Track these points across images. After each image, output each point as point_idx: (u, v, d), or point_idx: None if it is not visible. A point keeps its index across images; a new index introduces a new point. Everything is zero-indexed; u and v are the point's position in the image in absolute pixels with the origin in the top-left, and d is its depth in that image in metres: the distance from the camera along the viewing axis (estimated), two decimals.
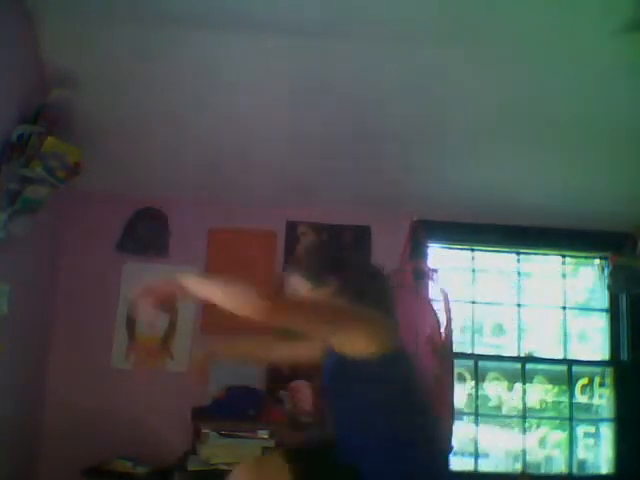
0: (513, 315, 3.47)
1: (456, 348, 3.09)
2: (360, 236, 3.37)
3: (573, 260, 3.61)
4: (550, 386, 3.49)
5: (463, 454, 3.29)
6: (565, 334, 3.46)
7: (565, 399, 3.43)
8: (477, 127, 2.90)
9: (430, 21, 2.42)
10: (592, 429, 3.44)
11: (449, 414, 2.81)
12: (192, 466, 2.64)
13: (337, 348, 1.71)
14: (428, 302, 3.01)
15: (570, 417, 3.39)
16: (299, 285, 1.85)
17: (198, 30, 2.52)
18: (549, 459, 3.43)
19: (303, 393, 2.96)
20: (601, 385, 3.44)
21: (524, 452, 3.32)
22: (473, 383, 3.36)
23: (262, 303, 1.54)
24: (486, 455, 3.36)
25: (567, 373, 3.40)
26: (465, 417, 3.35)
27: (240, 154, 3.06)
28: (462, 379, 3.35)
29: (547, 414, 3.50)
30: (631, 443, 3.27)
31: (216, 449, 2.67)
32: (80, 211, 3.28)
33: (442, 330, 2.89)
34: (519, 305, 3.47)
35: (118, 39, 2.57)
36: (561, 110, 2.79)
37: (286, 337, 1.93)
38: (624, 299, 3.41)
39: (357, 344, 1.66)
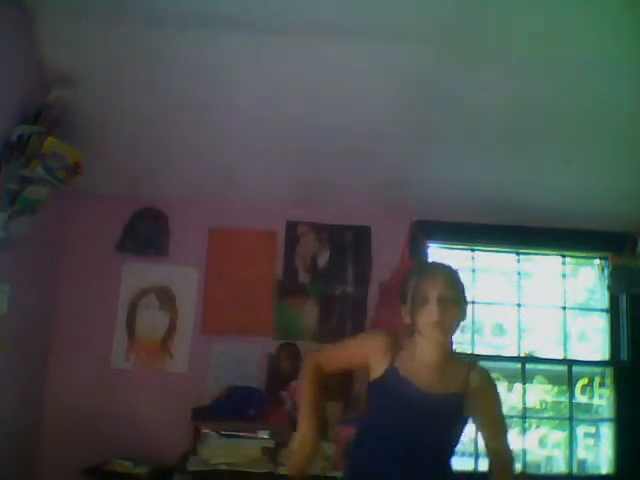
0: (513, 315, 3.47)
1: (456, 348, 3.08)
2: (360, 236, 3.37)
3: (573, 260, 3.61)
4: (550, 386, 3.49)
5: (463, 454, 3.28)
6: (565, 334, 3.46)
7: (565, 399, 3.43)
8: (477, 127, 2.89)
9: (433, 21, 2.42)
10: (592, 429, 3.44)
11: None
12: (192, 466, 2.63)
13: None
14: None
15: (570, 417, 3.38)
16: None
17: (198, 30, 2.52)
18: (549, 459, 3.43)
19: None
20: (601, 385, 3.44)
21: (524, 452, 3.32)
22: None
23: None
24: (486, 455, 3.35)
25: (567, 373, 3.40)
26: None
27: (240, 154, 3.06)
28: None
29: (547, 414, 3.50)
30: (631, 443, 3.26)
31: (216, 449, 2.67)
32: (80, 211, 3.28)
33: None
34: (519, 305, 3.47)
35: (117, 39, 2.57)
36: (561, 110, 2.78)
37: None
38: (624, 299, 3.40)
39: None
